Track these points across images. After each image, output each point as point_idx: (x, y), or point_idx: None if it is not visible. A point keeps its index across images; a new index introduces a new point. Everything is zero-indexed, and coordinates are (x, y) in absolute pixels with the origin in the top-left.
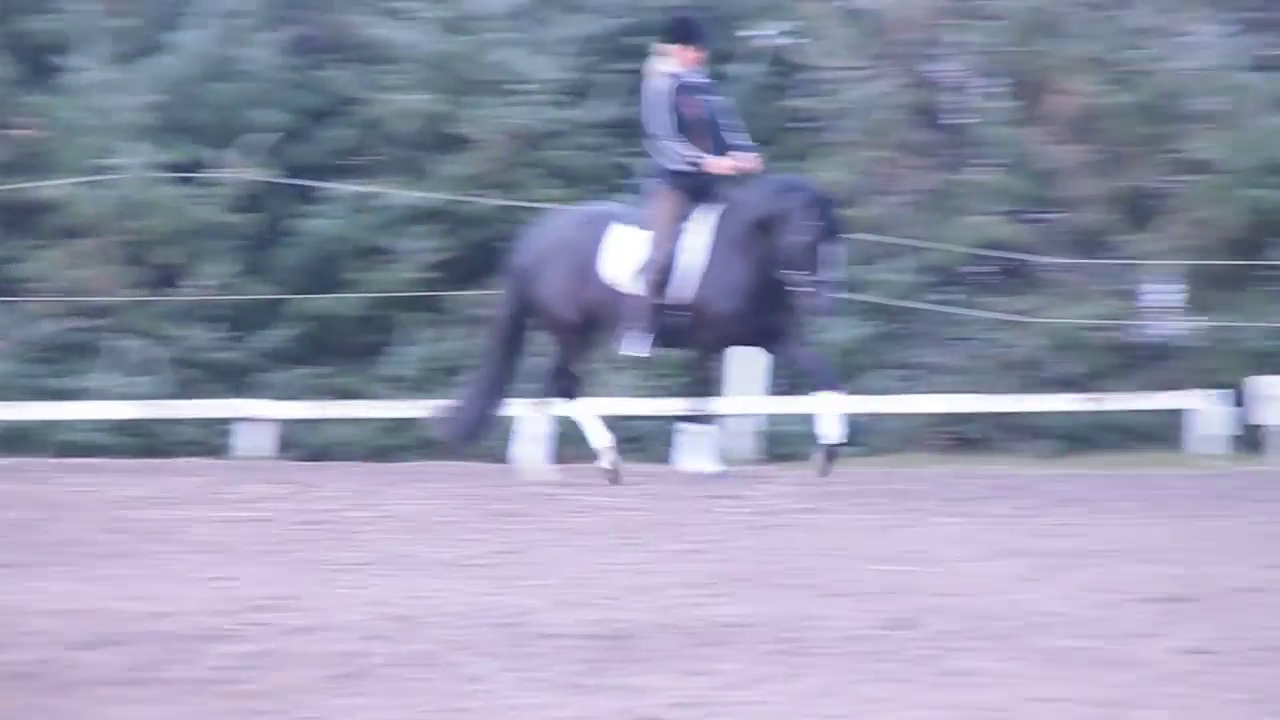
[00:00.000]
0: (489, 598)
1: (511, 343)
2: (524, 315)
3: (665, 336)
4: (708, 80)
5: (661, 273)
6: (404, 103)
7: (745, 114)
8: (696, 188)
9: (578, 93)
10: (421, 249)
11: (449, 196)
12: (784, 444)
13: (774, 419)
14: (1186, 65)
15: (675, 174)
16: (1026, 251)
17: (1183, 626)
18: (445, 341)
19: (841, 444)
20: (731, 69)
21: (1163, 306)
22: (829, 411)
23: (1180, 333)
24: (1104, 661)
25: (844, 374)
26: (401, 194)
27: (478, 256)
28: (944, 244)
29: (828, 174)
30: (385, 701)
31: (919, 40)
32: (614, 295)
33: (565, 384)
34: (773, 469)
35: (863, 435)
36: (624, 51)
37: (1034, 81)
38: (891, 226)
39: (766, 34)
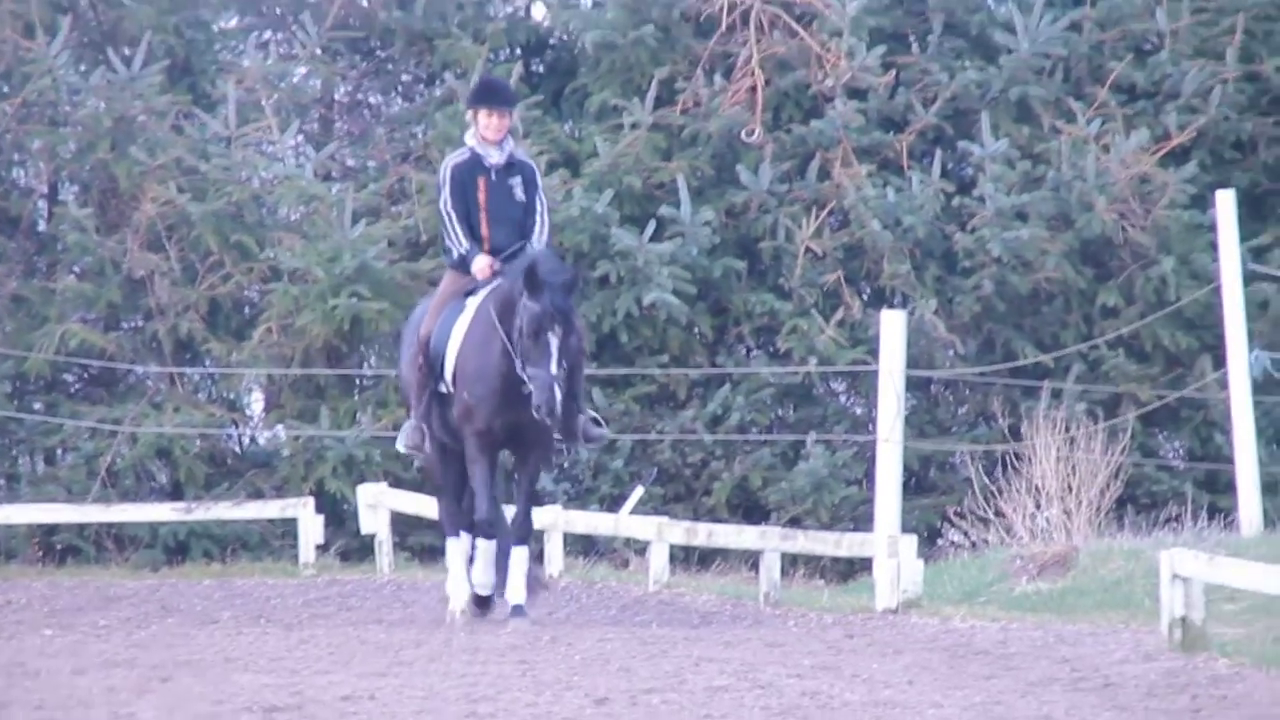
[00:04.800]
0: None
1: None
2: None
3: (447, 428)
4: (509, 154)
5: (425, 355)
6: None
7: None
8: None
9: None
10: None
11: None
12: None
13: None
14: (266, 174)
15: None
16: (117, 359)
17: None
18: None
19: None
20: None
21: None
22: (517, 570)
23: (277, 441)
24: None
25: None
26: None
27: None
28: (30, 352)
29: None
30: None
31: None
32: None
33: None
34: None
35: None
36: None
37: (115, 188)
38: None
39: None
